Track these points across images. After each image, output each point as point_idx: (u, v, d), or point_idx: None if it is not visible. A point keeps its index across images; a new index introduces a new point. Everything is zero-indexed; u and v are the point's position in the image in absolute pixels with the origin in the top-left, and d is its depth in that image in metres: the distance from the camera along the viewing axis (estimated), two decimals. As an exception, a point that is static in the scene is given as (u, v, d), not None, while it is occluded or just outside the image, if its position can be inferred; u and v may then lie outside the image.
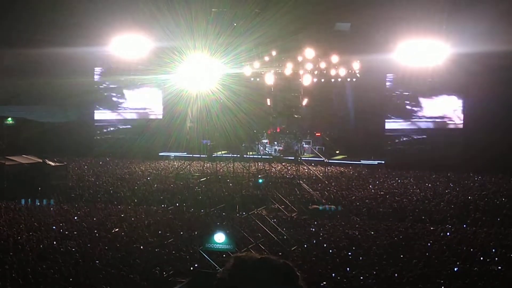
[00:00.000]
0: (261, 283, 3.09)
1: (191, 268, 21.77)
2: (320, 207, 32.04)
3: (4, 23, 50.87)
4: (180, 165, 42.58)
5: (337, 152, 50.63)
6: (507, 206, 31.68)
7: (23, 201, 32.91)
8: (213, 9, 48.85)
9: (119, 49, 52.30)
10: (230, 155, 41.34)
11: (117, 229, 26.85)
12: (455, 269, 20.90)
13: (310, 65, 47.76)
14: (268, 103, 50.10)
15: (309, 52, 46.76)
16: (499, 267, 21.14)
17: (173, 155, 50.47)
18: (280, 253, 22.56)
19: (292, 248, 24.13)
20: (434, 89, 49.00)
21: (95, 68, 55.03)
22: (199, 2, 47.49)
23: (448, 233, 26.73)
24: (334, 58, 47.27)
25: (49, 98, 52.58)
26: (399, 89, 50.38)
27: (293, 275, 3.17)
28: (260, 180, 31.68)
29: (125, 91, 56.16)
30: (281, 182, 36.56)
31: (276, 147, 50.70)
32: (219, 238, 21.43)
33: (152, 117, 55.55)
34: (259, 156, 40.92)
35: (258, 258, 3.20)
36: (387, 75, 50.02)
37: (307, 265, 21.46)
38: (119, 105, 56.58)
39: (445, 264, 21.60)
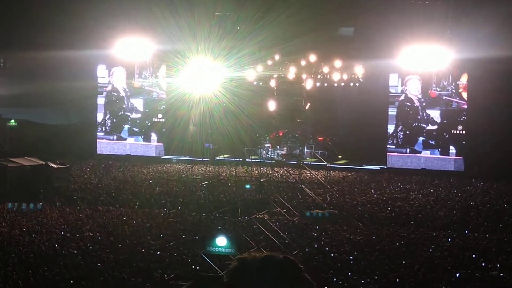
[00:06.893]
0: (267, 282, 3.06)
1: (193, 271, 21.76)
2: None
3: (7, 26, 51.01)
4: (183, 168, 42.53)
5: (340, 156, 50.55)
6: (509, 212, 31.64)
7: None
8: (216, 13, 48.87)
9: (122, 52, 52.07)
10: (233, 159, 41.42)
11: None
12: (457, 275, 20.87)
13: (313, 69, 47.76)
14: (271, 107, 50.00)
15: (312, 56, 46.76)
16: (501, 274, 21.10)
17: (175, 159, 50.38)
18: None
19: (294, 253, 24.11)
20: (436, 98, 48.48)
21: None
22: (203, 6, 47.48)
23: (449, 239, 26.70)
24: (337, 63, 47.21)
25: (52, 101, 52.61)
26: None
27: (296, 268, 3.16)
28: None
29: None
30: (283, 186, 36.50)
31: (278, 151, 50.66)
32: (221, 241, 21.43)
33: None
34: (261, 160, 40.88)
35: (261, 257, 3.17)
36: (390, 80, 49.44)
37: (309, 269, 21.41)
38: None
39: (446, 269, 21.58)
